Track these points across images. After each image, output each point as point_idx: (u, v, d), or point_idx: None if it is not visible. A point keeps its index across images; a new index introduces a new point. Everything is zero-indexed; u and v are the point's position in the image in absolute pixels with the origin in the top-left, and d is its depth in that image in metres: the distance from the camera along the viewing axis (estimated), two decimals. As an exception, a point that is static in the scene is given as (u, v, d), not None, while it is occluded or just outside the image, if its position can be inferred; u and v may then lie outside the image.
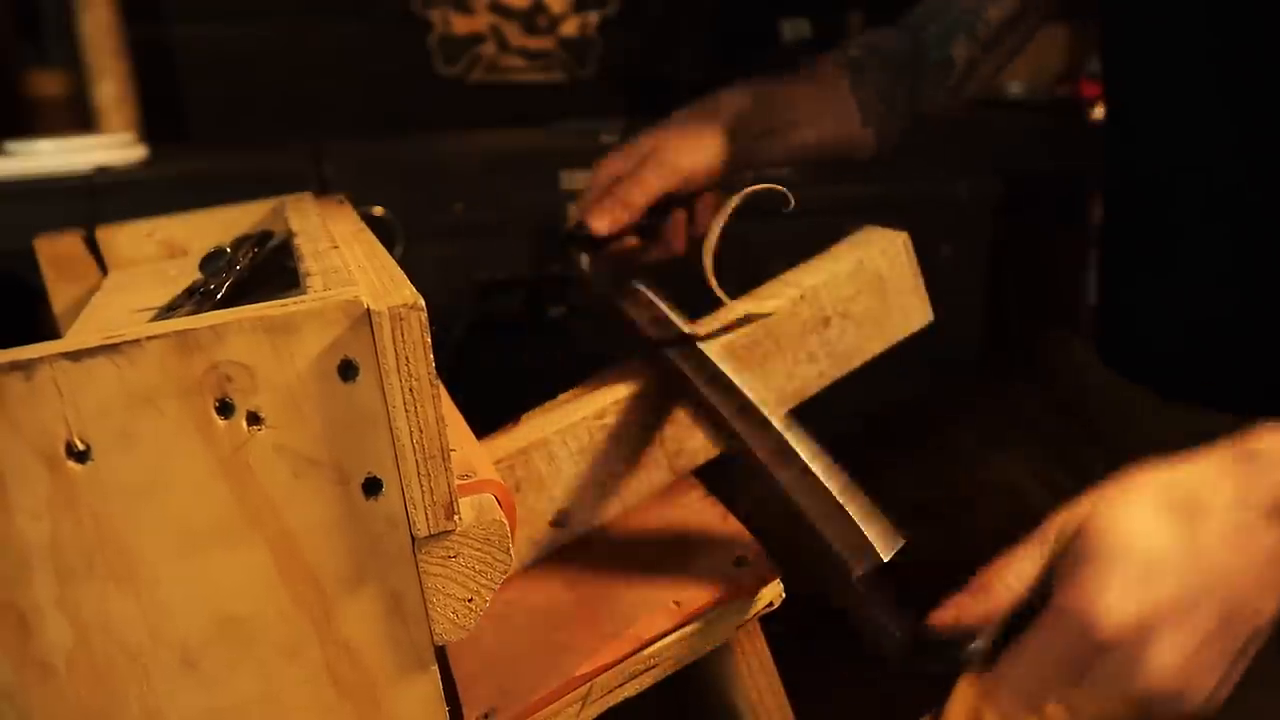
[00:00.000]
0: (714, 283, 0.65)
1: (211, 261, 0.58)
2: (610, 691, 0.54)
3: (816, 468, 0.54)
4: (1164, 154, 0.73)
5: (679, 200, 0.81)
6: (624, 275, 0.76)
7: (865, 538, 0.50)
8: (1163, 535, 0.46)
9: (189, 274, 0.60)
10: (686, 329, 0.66)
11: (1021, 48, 0.90)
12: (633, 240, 0.82)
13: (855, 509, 0.52)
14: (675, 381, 0.63)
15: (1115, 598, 0.45)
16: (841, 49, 0.88)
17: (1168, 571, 0.45)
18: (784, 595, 0.58)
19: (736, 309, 0.66)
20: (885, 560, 0.49)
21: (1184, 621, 0.45)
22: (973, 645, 0.48)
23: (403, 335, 0.38)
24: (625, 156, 0.80)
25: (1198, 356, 0.72)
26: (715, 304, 0.67)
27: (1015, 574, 0.48)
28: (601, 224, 0.77)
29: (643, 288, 0.74)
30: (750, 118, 0.82)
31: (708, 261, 0.65)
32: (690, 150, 0.79)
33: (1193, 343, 0.72)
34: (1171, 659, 0.45)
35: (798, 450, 0.55)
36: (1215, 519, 0.46)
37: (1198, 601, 0.45)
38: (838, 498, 0.52)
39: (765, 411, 0.59)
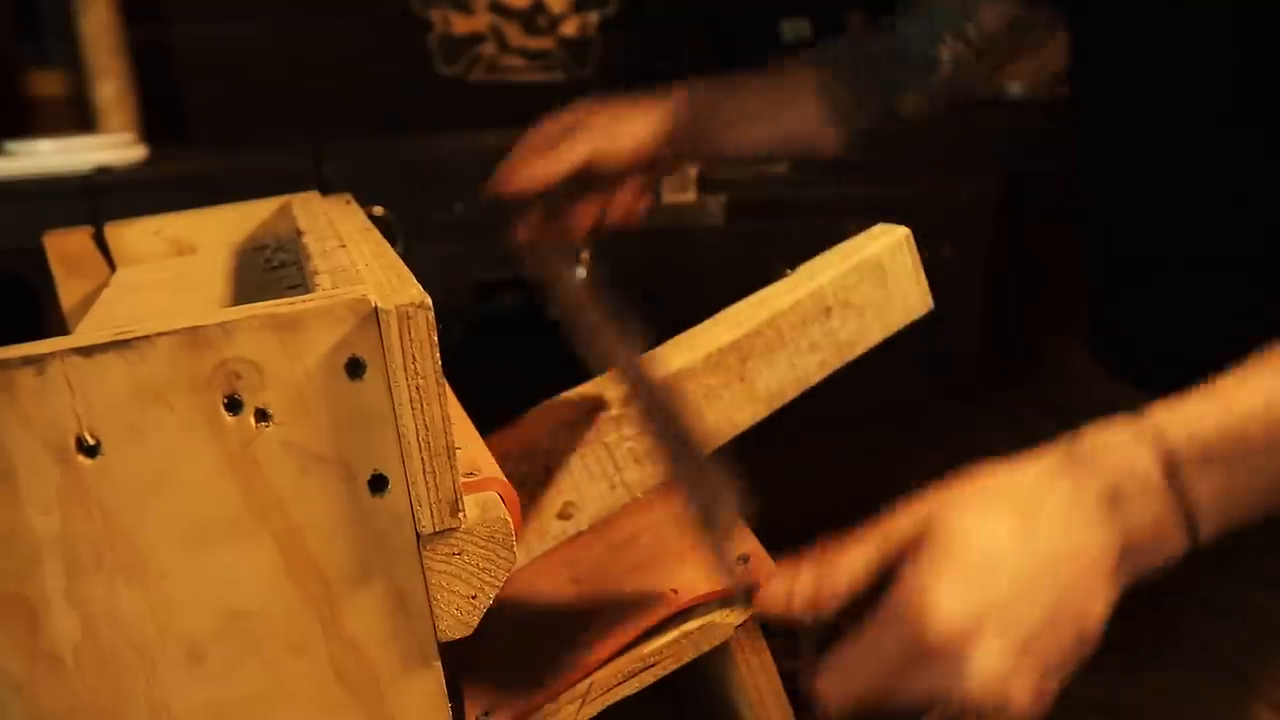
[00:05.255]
0: None
1: None
2: (610, 690, 0.54)
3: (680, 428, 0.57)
4: (1146, 156, 0.73)
5: (598, 181, 0.78)
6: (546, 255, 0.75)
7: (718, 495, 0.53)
8: (998, 536, 0.46)
9: (196, 271, 0.60)
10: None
11: (1021, 54, 0.89)
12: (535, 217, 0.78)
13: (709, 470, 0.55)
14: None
15: (948, 594, 0.45)
16: (822, 47, 0.87)
17: (999, 571, 0.46)
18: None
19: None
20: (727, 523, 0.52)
21: (1009, 622, 0.45)
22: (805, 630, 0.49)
23: (410, 334, 0.39)
24: (559, 123, 0.78)
25: (1191, 360, 0.72)
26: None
27: (848, 567, 0.48)
28: (514, 182, 0.75)
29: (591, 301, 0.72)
30: (700, 109, 0.80)
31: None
32: (629, 123, 0.77)
33: (1185, 346, 0.72)
34: (993, 664, 0.45)
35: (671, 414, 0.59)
36: (1046, 519, 0.47)
37: (1017, 605, 0.45)
38: (700, 460, 0.55)
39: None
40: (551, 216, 0.78)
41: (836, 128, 0.85)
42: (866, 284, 0.68)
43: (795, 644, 0.52)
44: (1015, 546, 0.46)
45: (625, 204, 0.81)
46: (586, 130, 0.76)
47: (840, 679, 0.47)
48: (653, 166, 0.80)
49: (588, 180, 0.78)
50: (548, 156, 0.75)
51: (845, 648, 0.47)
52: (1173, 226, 0.71)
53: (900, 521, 0.49)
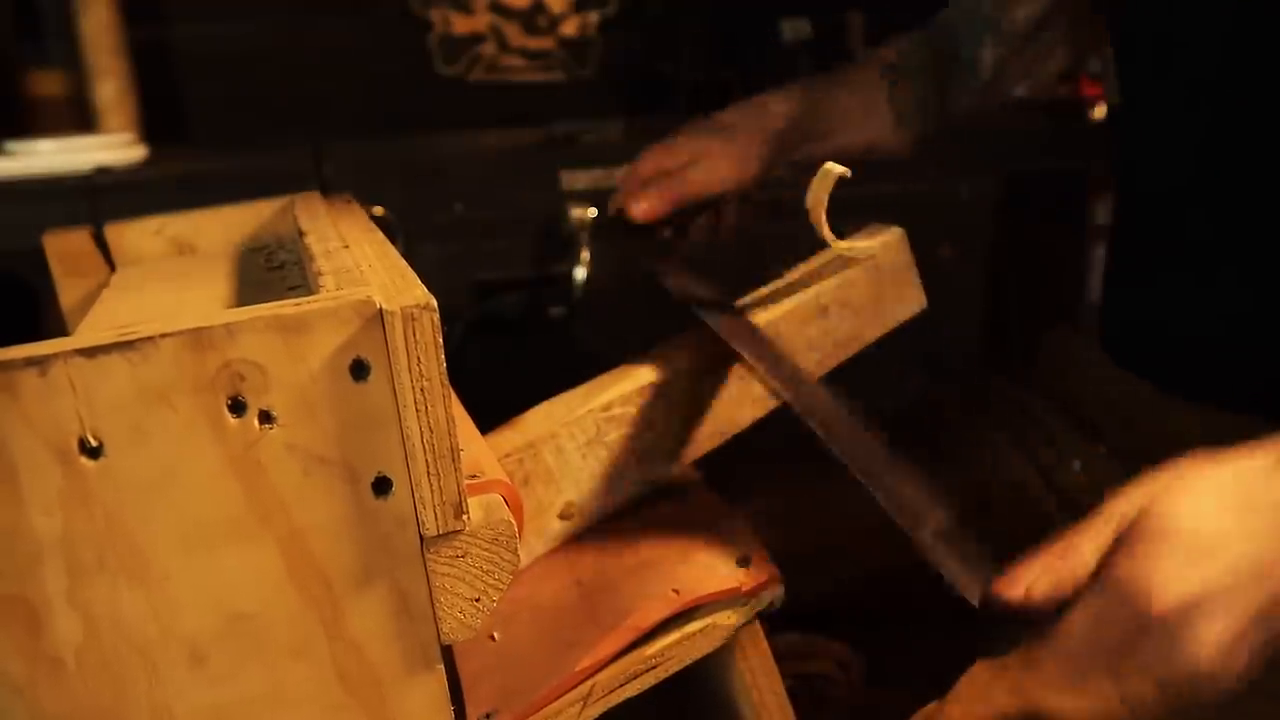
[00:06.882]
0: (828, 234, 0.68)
1: None
2: (612, 691, 0.54)
3: (863, 432, 0.59)
4: (1178, 150, 0.73)
5: (710, 201, 0.85)
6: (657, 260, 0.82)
7: (927, 503, 0.55)
8: (1217, 520, 0.47)
9: (197, 270, 0.60)
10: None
11: (1056, 51, 0.90)
12: (663, 232, 0.86)
13: (909, 472, 0.57)
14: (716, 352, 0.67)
15: (1169, 574, 0.46)
16: (878, 54, 0.90)
17: (1219, 555, 0.46)
18: (784, 596, 0.58)
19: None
20: (947, 526, 0.53)
21: (1228, 606, 0.46)
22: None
23: (415, 335, 0.39)
24: (670, 154, 0.83)
25: (1210, 353, 0.72)
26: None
27: (1081, 554, 0.49)
28: (640, 211, 0.81)
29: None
30: (795, 126, 0.85)
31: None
32: (736, 161, 0.83)
33: (1206, 340, 0.72)
34: (1212, 642, 0.45)
35: (845, 414, 0.61)
36: (1267, 511, 0.47)
37: (1243, 588, 0.46)
38: (890, 462, 0.57)
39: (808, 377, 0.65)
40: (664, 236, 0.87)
41: (904, 132, 0.88)
42: (863, 283, 0.69)
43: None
44: (1234, 536, 0.47)
45: (730, 221, 0.89)
46: (702, 169, 0.82)
47: (1065, 661, 0.48)
48: (754, 188, 0.87)
49: (696, 206, 0.85)
50: (666, 194, 0.82)
51: (1064, 630, 0.48)
52: (1210, 223, 0.71)
53: (1121, 504, 0.49)
